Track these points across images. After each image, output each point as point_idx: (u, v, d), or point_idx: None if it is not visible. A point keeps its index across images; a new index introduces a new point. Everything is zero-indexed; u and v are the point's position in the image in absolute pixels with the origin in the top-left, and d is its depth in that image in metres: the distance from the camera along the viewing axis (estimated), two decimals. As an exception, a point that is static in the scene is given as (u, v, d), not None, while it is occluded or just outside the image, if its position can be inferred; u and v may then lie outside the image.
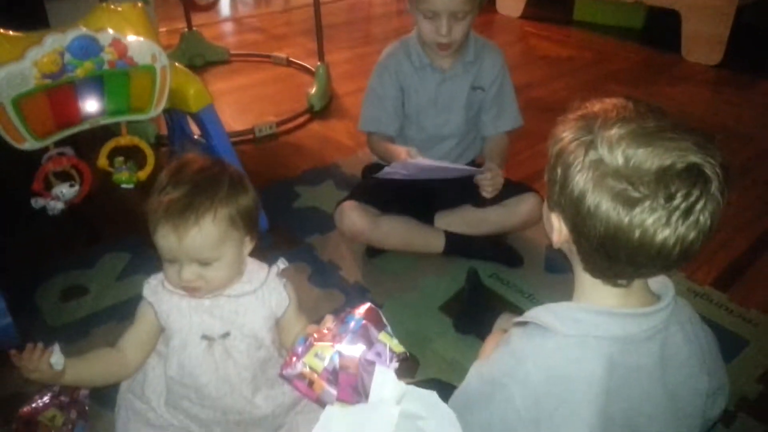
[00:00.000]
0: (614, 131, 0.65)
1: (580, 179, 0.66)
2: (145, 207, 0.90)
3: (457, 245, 1.58)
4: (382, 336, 0.80)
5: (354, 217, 1.49)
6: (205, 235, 0.87)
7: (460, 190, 1.61)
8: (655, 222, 0.63)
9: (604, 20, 3.52)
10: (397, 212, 1.54)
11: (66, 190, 1.45)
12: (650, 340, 0.70)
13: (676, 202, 0.62)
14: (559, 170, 0.69)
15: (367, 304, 0.83)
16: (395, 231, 1.53)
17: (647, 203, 0.62)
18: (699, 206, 0.63)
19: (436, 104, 1.55)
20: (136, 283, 1.44)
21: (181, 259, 0.89)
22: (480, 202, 1.59)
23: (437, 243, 1.57)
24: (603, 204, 0.64)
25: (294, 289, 1.02)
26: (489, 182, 1.44)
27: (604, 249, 0.67)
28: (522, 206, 1.56)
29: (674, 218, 0.63)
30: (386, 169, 1.41)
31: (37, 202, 1.47)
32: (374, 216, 1.51)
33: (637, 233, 0.63)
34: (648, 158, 0.63)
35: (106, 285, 1.48)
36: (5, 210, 1.55)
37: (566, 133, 0.70)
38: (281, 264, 1.01)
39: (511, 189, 1.60)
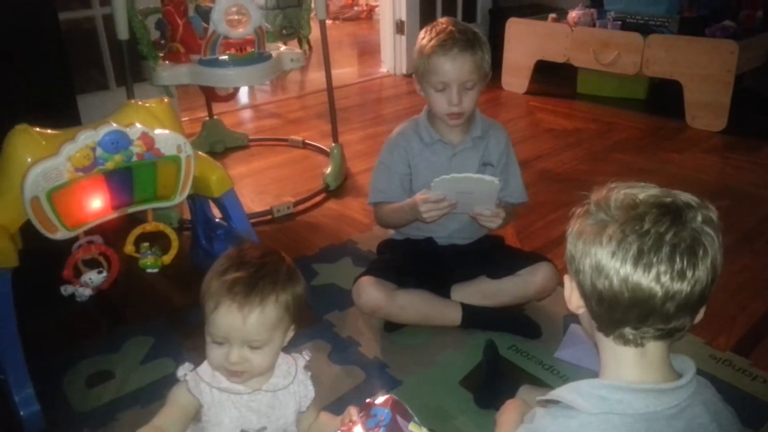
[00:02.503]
0: (605, 189, 0.75)
1: (573, 224, 0.75)
2: (201, 286, 0.94)
3: (475, 317, 1.59)
4: (413, 426, 0.82)
5: (371, 292, 1.52)
6: (266, 317, 0.91)
7: (475, 263, 1.64)
8: (626, 250, 0.68)
9: (608, 92, 3.63)
10: (413, 286, 1.56)
11: (94, 277, 1.51)
12: (675, 418, 0.70)
13: (646, 226, 0.67)
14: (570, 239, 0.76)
15: (388, 395, 0.85)
16: (412, 305, 1.55)
17: (616, 226, 0.68)
18: (668, 237, 0.66)
19: None
20: (161, 367, 1.49)
21: (233, 341, 0.92)
22: (495, 273, 1.62)
23: (454, 316, 1.59)
24: (587, 237, 0.71)
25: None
26: (486, 218, 1.48)
27: (596, 289, 0.71)
28: (537, 275, 1.58)
29: (646, 247, 0.66)
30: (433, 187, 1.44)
31: (66, 290, 1.53)
32: (391, 290, 1.53)
33: (612, 263, 0.68)
34: (628, 193, 0.71)
35: (131, 369, 1.50)
36: (35, 298, 1.60)
37: (577, 211, 0.78)
38: (306, 356, 1.05)
39: (525, 259, 1.62)
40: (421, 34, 1.54)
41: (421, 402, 1.37)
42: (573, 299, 0.78)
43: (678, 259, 0.66)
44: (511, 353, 1.52)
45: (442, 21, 1.53)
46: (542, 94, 3.73)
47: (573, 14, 3.56)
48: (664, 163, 2.72)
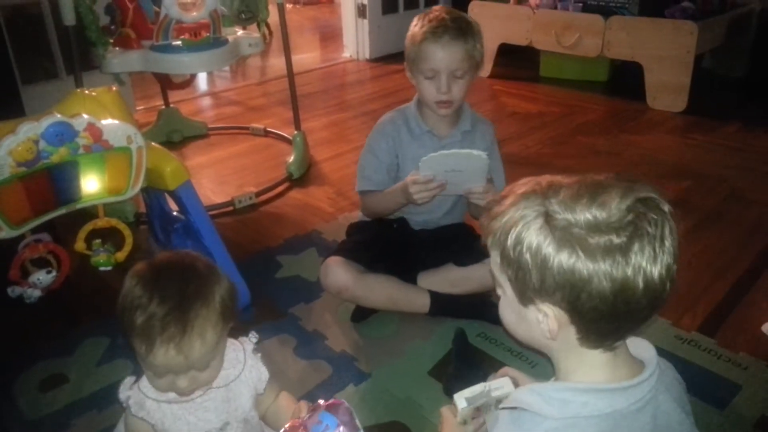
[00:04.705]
0: (564, 194, 0.65)
1: (562, 252, 0.63)
2: (118, 312, 0.86)
3: (443, 304, 1.57)
4: None
5: (339, 272, 1.49)
6: (207, 343, 0.85)
7: (443, 250, 1.62)
8: (648, 259, 0.62)
9: (570, 75, 3.64)
10: (381, 271, 1.54)
11: (43, 277, 1.44)
12: (641, 412, 0.68)
13: (652, 231, 0.63)
14: (527, 257, 0.65)
15: (341, 401, 0.82)
16: (380, 287, 1.52)
17: (636, 243, 0.62)
18: (666, 231, 0.64)
19: None
20: (117, 369, 1.43)
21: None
22: (462, 260, 1.60)
23: (422, 302, 1.56)
24: (600, 264, 0.62)
25: (266, 361, 1.02)
26: (479, 195, 1.42)
27: (614, 309, 0.64)
28: None
29: (657, 249, 0.63)
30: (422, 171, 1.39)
31: (13, 291, 1.46)
32: (359, 272, 1.50)
33: (640, 279, 0.62)
34: (609, 204, 0.63)
35: (87, 372, 1.43)
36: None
37: (512, 220, 0.67)
38: (253, 338, 1.01)
39: (492, 246, 1.60)
40: (414, 21, 1.50)
41: (391, 394, 1.35)
42: (552, 327, 0.68)
43: (671, 246, 0.64)
44: (480, 341, 1.50)
45: (436, 8, 1.50)
46: (506, 78, 3.72)
47: (535, -4, 3.55)
48: (626, 144, 2.74)
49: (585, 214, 0.63)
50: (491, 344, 1.49)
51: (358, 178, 1.60)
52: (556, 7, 3.45)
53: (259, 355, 1.01)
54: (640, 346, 0.73)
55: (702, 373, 1.38)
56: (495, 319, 1.56)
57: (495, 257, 0.71)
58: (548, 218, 0.64)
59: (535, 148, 2.72)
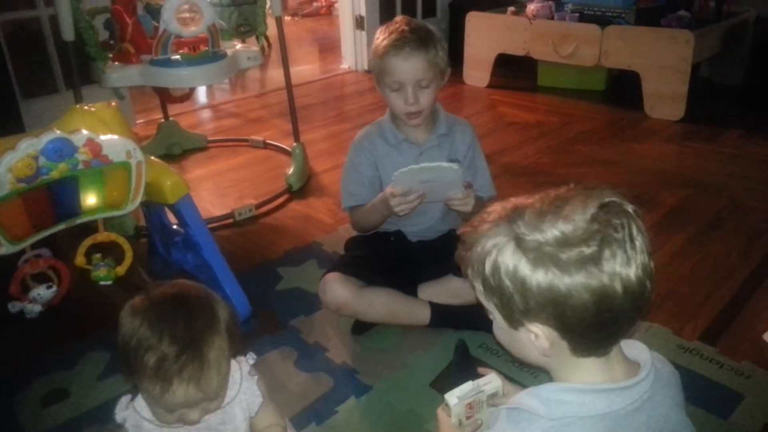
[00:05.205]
0: (528, 215, 0.67)
1: (538, 272, 0.65)
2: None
3: (443, 316, 1.57)
4: None
5: (338, 288, 1.49)
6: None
7: (442, 261, 1.62)
8: (621, 264, 0.64)
9: (568, 84, 3.66)
10: (380, 285, 1.53)
11: (43, 292, 1.44)
12: (637, 413, 0.69)
13: (619, 235, 0.64)
14: (507, 282, 0.67)
15: None
16: (380, 301, 1.52)
17: (607, 251, 0.63)
18: (635, 231, 0.65)
19: None
20: (118, 383, 1.43)
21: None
22: (461, 271, 1.59)
23: (423, 314, 1.56)
24: (575, 277, 0.64)
25: (263, 382, 1.01)
26: (459, 202, 1.43)
27: (599, 318, 0.65)
28: None
29: (629, 251, 0.64)
30: (397, 183, 1.39)
31: (14, 306, 1.46)
32: (358, 287, 1.50)
33: (618, 284, 0.64)
34: (573, 217, 0.64)
35: (88, 386, 1.43)
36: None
37: (486, 249, 0.69)
38: (250, 360, 1.00)
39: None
40: (377, 34, 1.51)
41: (392, 407, 1.34)
42: (543, 346, 0.70)
43: (643, 243, 0.66)
44: (481, 352, 1.50)
45: (397, 20, 1.50)
46: (504, 88, 3.74)
47: (531, 7, 3.57)
48: (625, 153, 2.75)
49: (552, 231, 0.65)
50: (492, 355, 1.49)
51: (343, 196, 1.62)
52: (552, 18, 3.47)
53: (256, 377, 1.00)
54: (634, 347, 0.75)
55: (704, 383, 1.38)
56: (496, 330, 1.57)
57: (478, 287, 0.73)
58: (519, 241, 0.66)
59: (534, 158, 2.73)
